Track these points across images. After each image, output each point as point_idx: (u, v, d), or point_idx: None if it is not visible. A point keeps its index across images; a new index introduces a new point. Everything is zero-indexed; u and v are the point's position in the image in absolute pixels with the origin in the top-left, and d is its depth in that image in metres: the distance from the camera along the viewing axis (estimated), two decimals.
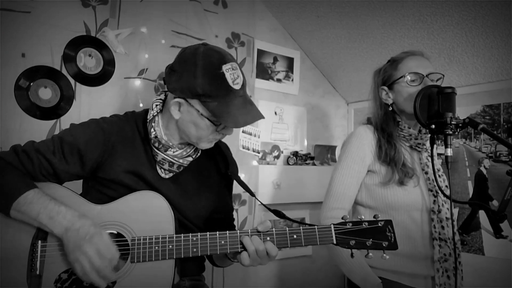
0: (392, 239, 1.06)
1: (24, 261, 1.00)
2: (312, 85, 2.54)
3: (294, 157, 2.32)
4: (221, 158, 1.34)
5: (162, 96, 1.22)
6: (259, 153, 2.18)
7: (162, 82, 1.80)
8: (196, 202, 1.23)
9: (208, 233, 1.05)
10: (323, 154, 2.51)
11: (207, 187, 1.28)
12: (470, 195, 1.94)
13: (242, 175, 1.99)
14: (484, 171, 1.90)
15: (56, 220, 0.98)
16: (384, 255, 1.04)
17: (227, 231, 1.06)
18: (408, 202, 1.35)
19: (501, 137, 1.26)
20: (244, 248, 1.05)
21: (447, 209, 1.37)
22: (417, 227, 1.37)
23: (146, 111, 1.22)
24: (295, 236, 1.06)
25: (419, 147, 1.43)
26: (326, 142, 2.58)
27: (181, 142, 1.20)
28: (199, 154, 1.24)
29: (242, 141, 2.11)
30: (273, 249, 1.04)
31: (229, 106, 1.08)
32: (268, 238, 1.05)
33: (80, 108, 1.64)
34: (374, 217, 1.09)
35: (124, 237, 1.04)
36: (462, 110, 1.96)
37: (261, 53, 2.27)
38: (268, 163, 2.24)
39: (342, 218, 1.08)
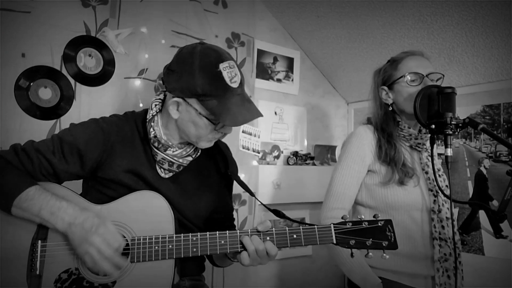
0: (392, 239, 1.06)
1: (24, 261, 1.00)
2: (312, 85, 2.54)
3: (294, 157, 2.32)
4: (221, 158, 1.34)
5: (162, 96, 1.22)
6: (259, 153, 2.18)
7: (161, 82, 1.80)
8: (196, 202, 1.23)
9: (208, 233, 1.05)
10: (323, 154, 2.51)
11: (207, 187, 1.28)
12: (470, 195, 1.94)
13: (242, 175, 1.99)
14: (484, 171, 1.90)
15: (58, 216, 0.99)
16: (384, 255, 1.04)
17: (227, 231, 1.06)
18: (408, 202, 1.35)
19: (501, 137, 1.26)
20: (244, 248, 1.04)
21: (447, 208, 1.37)
22: (417, 227, 1.37)
23: (145, 111, 1.22)
24: (295, 236, 1.06)
25: (419, 147, 1.43)
26: (326, 142, 2.58)
27: (180, 141, 1.20)
28: (199, 154, 1.24)
29: (242, 141, 2.11)
30: (273, 249, 1.04)
31: (226, 105, 1.07)
32: (268, 238, 1.05)
33: (80, 108, 1.64)
34: (374, 217, 1.09)
35: (124, 237, 1.04)
36: (462, 110, 1.96)
37: (261, 53, 2.27)
38: (268, 163, 2.24)
39: (342, 218, 1.08)
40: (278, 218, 1.26)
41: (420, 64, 1.38)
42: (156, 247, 1.03)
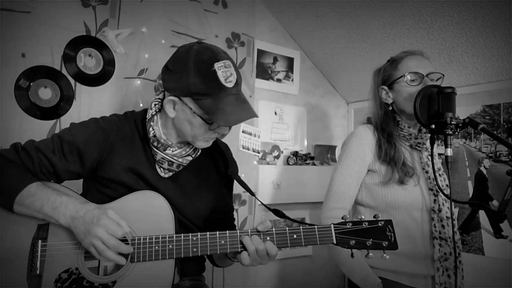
0: (392, 239, 1.06)
1: (24, 261, 1.00)
2: (312, 85, 2.54)
3: (294, 157, 2.32)
4: (220, 157, 1.33)
5: (161, 96, 1.22)
6: (259, 153, 2.18)
7: (161, 82, 1.81)
8: (196, 202, 1.23)
9: (208, 233, 1.05)
10: (323, 154, 2.51)
11: (207, 187, 1.28)
12: (470, 195, 1.94)
13: (242, 175, 1.99)
14: (484, 171, 1.90)
15: (60, 211, 0.99)
16: (384, 255, 1.04)
17: (227, 231, 1.06)
18: (409, 201, 1.35)
19: (501, 137, 1.26)
20: (244, 248, 1.05)
21: (448, 208, 1.37)
22: (417, 227, 1.37)
23: (145, 111, 1.22)
24: (295, 236, 1.06)
25: (419, 147, 1.43)
26: (326, 142, 2.58)
27: (179, 141, 1.20)
28: (198, 154, 1.24)
29: (242, 141, 2.11)
30: (273, 249, 1.04)
31: (220, 104, 1.07)
32: (268, 238, 1.05)
33: (80, 108, 1.64)
34: (374, 217, 1.09)
35: (124, 237, 1.04)
36: (462, 110, 1.96)
37: (261, 53, 2.27)
38: (268, 163, 2.24)
39: (342, 218, 1.08)
40: (278, 218, 1.26)
41: (420, 63, 1.38)
42: (156, 247, 1.03)
